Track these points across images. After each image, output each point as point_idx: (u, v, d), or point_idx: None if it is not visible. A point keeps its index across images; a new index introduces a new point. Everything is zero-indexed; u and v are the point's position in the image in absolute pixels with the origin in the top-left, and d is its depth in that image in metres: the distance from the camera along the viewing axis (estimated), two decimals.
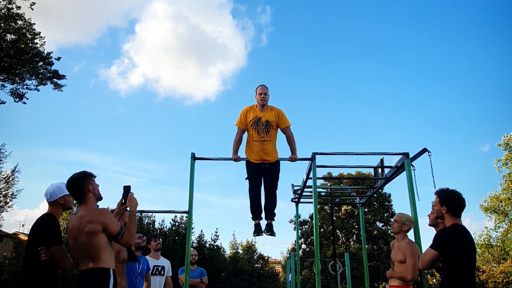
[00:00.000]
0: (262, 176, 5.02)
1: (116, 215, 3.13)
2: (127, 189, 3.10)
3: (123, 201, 3.09)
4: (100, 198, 2.90)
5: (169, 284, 5.02)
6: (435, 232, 3.52)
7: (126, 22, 63.98)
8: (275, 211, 5.07)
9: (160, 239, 5.18)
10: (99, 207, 3.01)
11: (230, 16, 73.18)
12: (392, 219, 4.27)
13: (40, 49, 18.40)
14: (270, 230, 4.97)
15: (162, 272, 4.93)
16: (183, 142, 69.68)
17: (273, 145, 4.93)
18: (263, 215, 5.07)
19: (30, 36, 17.95)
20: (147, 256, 4.85)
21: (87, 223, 2.62)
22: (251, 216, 5.04)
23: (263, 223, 5.05)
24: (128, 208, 3.06)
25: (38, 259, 2.88)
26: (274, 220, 5.04)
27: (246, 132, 4.98)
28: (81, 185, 2.80)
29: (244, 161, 5.01)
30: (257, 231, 4.98)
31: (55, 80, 19.19)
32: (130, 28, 65.35)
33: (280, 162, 5.06)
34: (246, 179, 5.05)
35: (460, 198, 3.08)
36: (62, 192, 3.14)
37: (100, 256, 2.61)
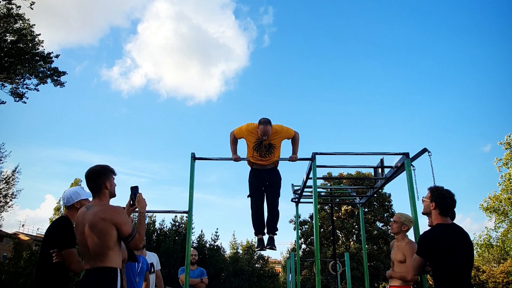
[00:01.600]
0: (264, 190, 5.01)
1: None
2: (134, 189, 3.03)
3: (131, 202, 3.03)
4: (114, 196, 2.87)
5: (159, 277, 5.00)
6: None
7: (128, 23, 63.99)
8: (278, 226, 5.04)
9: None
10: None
11: (232, 16, 73.02)
12: (392, 219, 4.25)
13: (40, 49, 18.42)
14: (270, 244, 4.95)
15: (152, 270, 4.92)
16: (185, 143, 69.66)
17: (274, 160, 4.94)
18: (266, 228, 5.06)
19: (30, 37, 17.95)
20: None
21: (100, 220, 2.57)
22: (254, 231, 5.01)
23: (266, 236, 5.02)
24: (137, 209, 3.01)
25: (50, 261, 2.93)
26: (276, 234, 5.01)
27: (245, 141, 4.97)
28: (99, 178, 2.76)
29: (244, 161, 5.00)
30: (261, 246, 4.98)
31: (56, 78, 19.20)
32: (133, 29, 65.31)
33: (280, 162, 5.07)
34: (248, 196, 5.03)
35: (451, 198, 3.06)
36: (78, 197, 3.24)
37: (108, 255, 2.56)
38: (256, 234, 5.01)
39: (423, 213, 3.30)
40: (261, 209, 5.00)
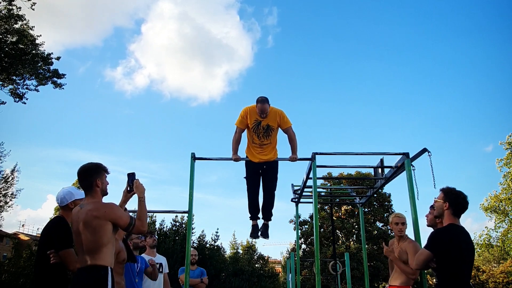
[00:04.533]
0: (261, 176, 5.03)
1: (123, 204, 3.13)
2: (131, 176, 3.04)
3: (128, 188, 3.05)
4: (106, 194, 2.88)
5: (167, 281, 5.01)
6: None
7: (132, 23, 63.98)
8: (273, 211, 5.08)
9: (156, 236, 5.19)
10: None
11: (237, 17, 72.91)
12: (397, 223, 4.15)
13: (40, 49, 18.41)
14: (264, 233, 4.97)
15: (161, 270, 4.92)
16: (185, 143, 69.63)
17: (273, 148, 4.94)
18: (260, 215, 5.08)
19: (30, 38, 17.94)
20: (143, 254, 4.84)
21: (94, 218, 2.58)
22: (249, 216, 5.05)
23: (260, 223, 5.07)
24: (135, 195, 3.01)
25: (48, 262, 2.92)
26: (270, 220, 5.05)
27: (245, 131, 4.99)
28: (90, 176, 2.77)
29: (244, 161, 5.01)
30: (255, 234, 5.00)
31: (55, 79, 19.19)
32: (136, 29, 65.32)
33: (280, 162, 5.07)
34: (244, 177, 5.06)
35: (465, 200, 3.09)
36: (72, 197, 3.21)
37: (101, 252, 2.57)
38: (251, 218, 5.04)
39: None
40: (257, 191, 5.01)
